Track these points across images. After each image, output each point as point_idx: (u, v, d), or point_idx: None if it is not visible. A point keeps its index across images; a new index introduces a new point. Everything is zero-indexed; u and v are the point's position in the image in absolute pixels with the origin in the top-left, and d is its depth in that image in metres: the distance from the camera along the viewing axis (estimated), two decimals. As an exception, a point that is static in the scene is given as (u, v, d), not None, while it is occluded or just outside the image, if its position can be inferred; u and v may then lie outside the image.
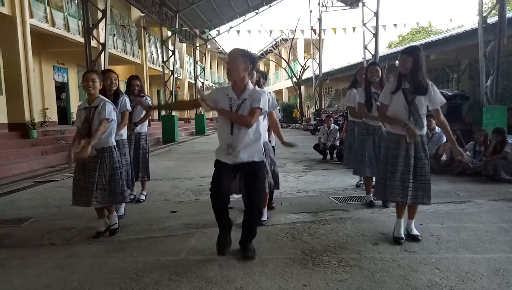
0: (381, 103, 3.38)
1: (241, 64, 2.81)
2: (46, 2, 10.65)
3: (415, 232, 3.27)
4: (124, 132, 4.23)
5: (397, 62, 3.20)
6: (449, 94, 10.41)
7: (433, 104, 3.19)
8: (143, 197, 4.91)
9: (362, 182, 5.30)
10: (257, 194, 2.96)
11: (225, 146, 2.87)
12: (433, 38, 16.32)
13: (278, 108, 3.82)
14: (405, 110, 3.17)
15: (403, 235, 3.23)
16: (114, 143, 3.61)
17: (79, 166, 3.51)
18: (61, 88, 14.65)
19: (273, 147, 4.04)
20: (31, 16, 9.91)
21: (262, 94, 2.88)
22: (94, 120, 3.42)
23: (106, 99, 3.55)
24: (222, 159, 2.91)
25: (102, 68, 9.82)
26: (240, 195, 3.52)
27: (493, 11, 8.94)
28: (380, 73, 4.22)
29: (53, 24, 10.91)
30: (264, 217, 3.79)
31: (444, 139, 6.83)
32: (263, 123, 3.65)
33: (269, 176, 3.63)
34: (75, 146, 3.44)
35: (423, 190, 3.19)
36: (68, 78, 14.56)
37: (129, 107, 4.23)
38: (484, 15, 8.67)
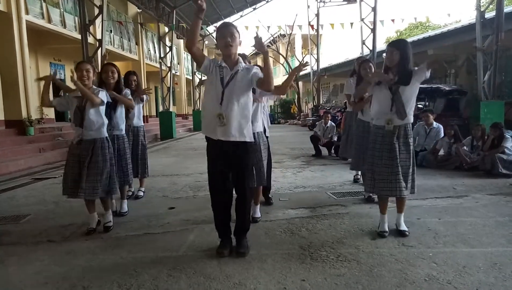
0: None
1: (237, 38, 2.84)
2: (42, -2, 10.59)
3: (403, 227, 3.28)
4: (123, 126, 4.21)
5: (384, 55, 3.22)
6: (447, 89, 10.41)
7: (420, 72, 3.12)
8: (141, 193, 4.90)
9: (359, 177, 5.31)
10: (245, 178, 2.93)
11: (216, 118, 2.79)
12: (430, 33, 16.30)
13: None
14: (389, 100, 3.19)
15: (386, 229, 3.26)
16: (106, 135, 3.59)
17: (71, 157, 3.50)
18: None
19: (267, 137, 3.86)
20: (27, 12, 9.84)
21: (257, 69, 2.94)
22: (87, 109, 3.42)
23: (98, 88, 3.57)
24: (213, 134, 2.84)
25: (99, 65, 9.78)
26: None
27: (491, 6, 8.94)
28: (373, 70, 4.23)
29: (49, 21, 10.83)
30: (258, 214, 3.76)
31: (442, 134, 6.85)
32: (260, 112, 3.63)
33: (264, 171, 3.60)
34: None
35: (406, 182, 3.20)
36: (65, 74, 14.48)
37: (129, 98, 4.20)
38: (481, 9, 8.66)
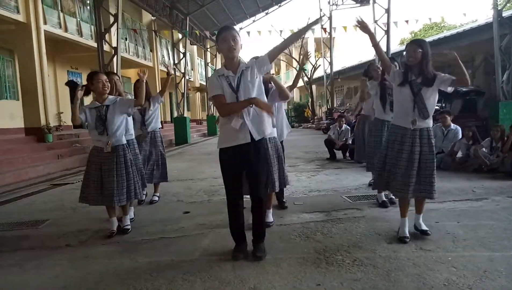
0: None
1: (239, 42, 2.83)
2: (60, 8, 10.85)
3: (424, 227, 3.23)
4: (133, 131, 4.27)
5: (404, 53, 3.18)
6: (464, 89, 10.21)
7: (446, 81, 3.12)
8: (156, 198, 4.94)
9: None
10: (261, 184, 2.92)
11: (239, 120, 2.79)
12: (446, 33, 16.05)
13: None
14: (410, 102, 3.16)
15: (407, 235, 3.19)
16: (125, 142, 3.70)
17: (93, 165, 3.58)
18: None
19: (281, 142, 3.91)
20: (45, 22, 10.09)
21: (255, 59, 2.96)
22: (109, 118, 3.52)
23: (116, 97, 3.68)
24: (243, 139, 2.82)
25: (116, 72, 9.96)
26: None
27: (508, 4, 8.77)
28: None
29: (66, 30, 11.09)
30: (270, 219, 3.72)
31: (460, 136, 6.71)
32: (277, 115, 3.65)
33: (276, 176, 3.59)
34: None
35: (426, 184, 3.15)
36: (81, 82, 14.79)
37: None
38: (498, 8, 8.50)
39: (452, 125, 6.87)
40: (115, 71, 9.97)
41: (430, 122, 3.21)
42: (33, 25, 9.59)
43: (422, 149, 3.16)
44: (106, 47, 10.52)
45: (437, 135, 6.82)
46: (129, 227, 3.70)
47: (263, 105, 2.77)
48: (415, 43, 3.19)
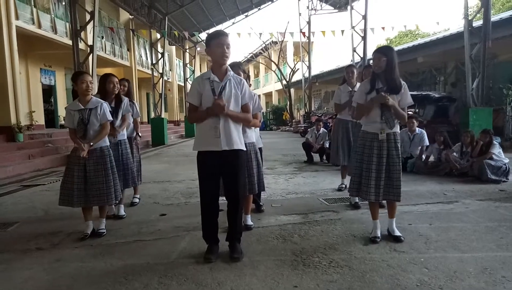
0: (356, 103, 3.47)
1: (231, 49, 2.83)
2: (33, 4, 10.49)
3: (397, 233, 3.29)
4: (125, 131, 4.25)
5: (371, 61, 3.27)
6: (436, 96, 10.55)
7: (401, 104, 3.27)
8: (136, 200, 4.85)
9: (344, 185, 5.29)
10: (235, 183, 2.94)
11: (213, 130, 2.82)
12: (420, 41, 16.55)
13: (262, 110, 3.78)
14: (377, 109, 3.24)
15: (379, 235, 3.29)
16: (108, 143, 3.66)
17: (73, 166, 3.50)
18: (49, 91, 14.44)
19: (260, 148, 3.96)
20: (17, 17, 9.75)
21: (246, 86, 2.99)
22: (91, 121, 3.47)
23: (100, 100, 3.61)
24: (208, 147, 2.86)
25: (90, 71, 9.72)
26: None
27: (478, 15, 9.10)
28: (355, 75, 4.38)
29: (40, 26, 10.74)
30: (249, 222, 3.72)
31: (426, 139, 6.89)
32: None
33: (254, 180, 3.59)
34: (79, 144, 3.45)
35: (394, 187, 3.24)
36: (55, 81, 14.36)
37: (130, 110, 4.40)
38: (469, 18, 8.82)
39: (417, 130, 7.02)
40: (91, 70, 9.75)
41: (397, 128, 3.31)
42: (4, 20, 9.25)
43: (389, 153, 3.25)
44: (81, 45, 10.26)
45: (404, 140, 6.93)
46: (103, 231, 3.62)
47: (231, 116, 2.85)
48: (378, 52, 3.25)
